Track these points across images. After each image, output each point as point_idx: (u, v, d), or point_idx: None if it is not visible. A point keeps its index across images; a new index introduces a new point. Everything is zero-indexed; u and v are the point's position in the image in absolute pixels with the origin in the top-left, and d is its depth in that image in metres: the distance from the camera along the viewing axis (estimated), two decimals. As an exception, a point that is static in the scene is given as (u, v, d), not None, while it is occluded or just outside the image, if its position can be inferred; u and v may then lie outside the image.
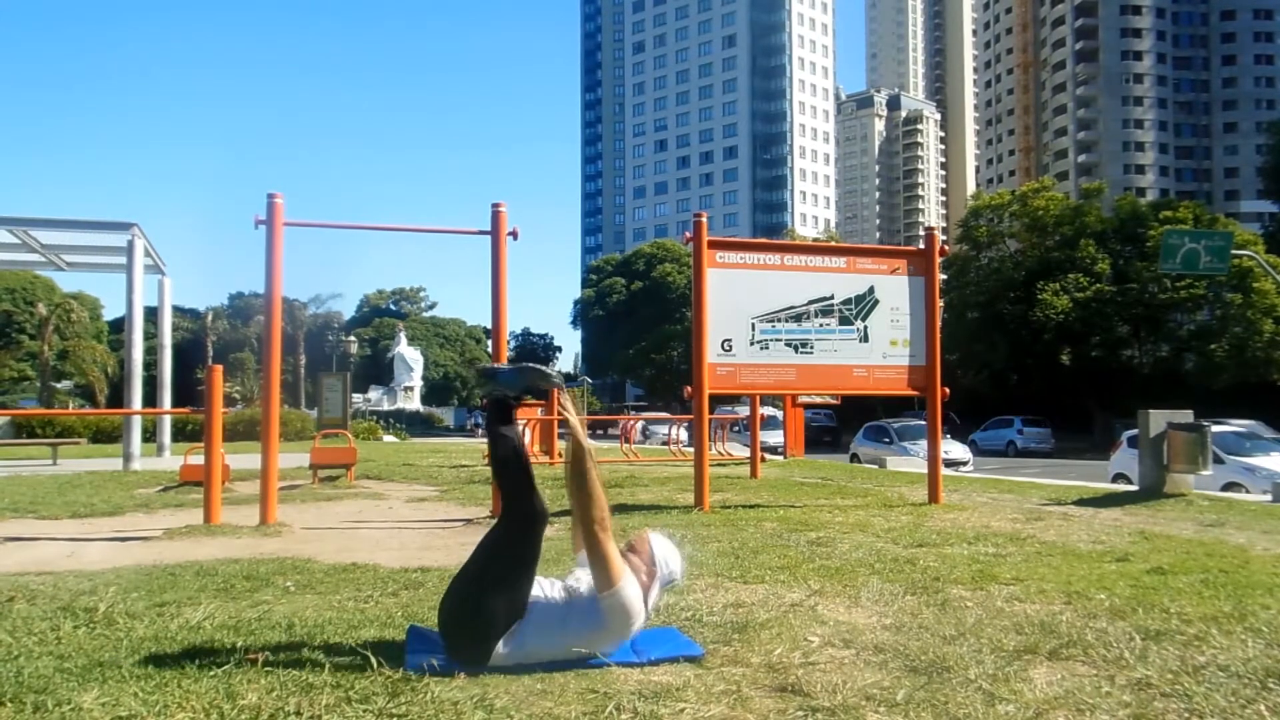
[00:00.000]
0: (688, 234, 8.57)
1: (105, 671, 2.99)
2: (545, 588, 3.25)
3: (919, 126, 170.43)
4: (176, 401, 21.57)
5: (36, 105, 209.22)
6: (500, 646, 3.05)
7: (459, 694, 2.77)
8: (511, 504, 3.28)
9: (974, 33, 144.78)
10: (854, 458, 23.35)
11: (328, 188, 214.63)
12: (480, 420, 58.42)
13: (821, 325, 8.62)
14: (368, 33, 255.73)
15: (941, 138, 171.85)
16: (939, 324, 9.17)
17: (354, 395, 46.79)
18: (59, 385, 57.95)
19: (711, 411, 13.98)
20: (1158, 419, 9.73)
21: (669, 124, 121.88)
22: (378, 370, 73.68)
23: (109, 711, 2.61)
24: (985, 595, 4.32)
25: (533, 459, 16.25)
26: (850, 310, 8.70)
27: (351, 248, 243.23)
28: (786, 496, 9.77)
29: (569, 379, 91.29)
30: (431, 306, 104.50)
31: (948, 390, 9.00)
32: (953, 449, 23.84)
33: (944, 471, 10.02)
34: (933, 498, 8.94)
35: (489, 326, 8.65)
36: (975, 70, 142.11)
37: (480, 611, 3.04)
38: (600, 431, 46.82)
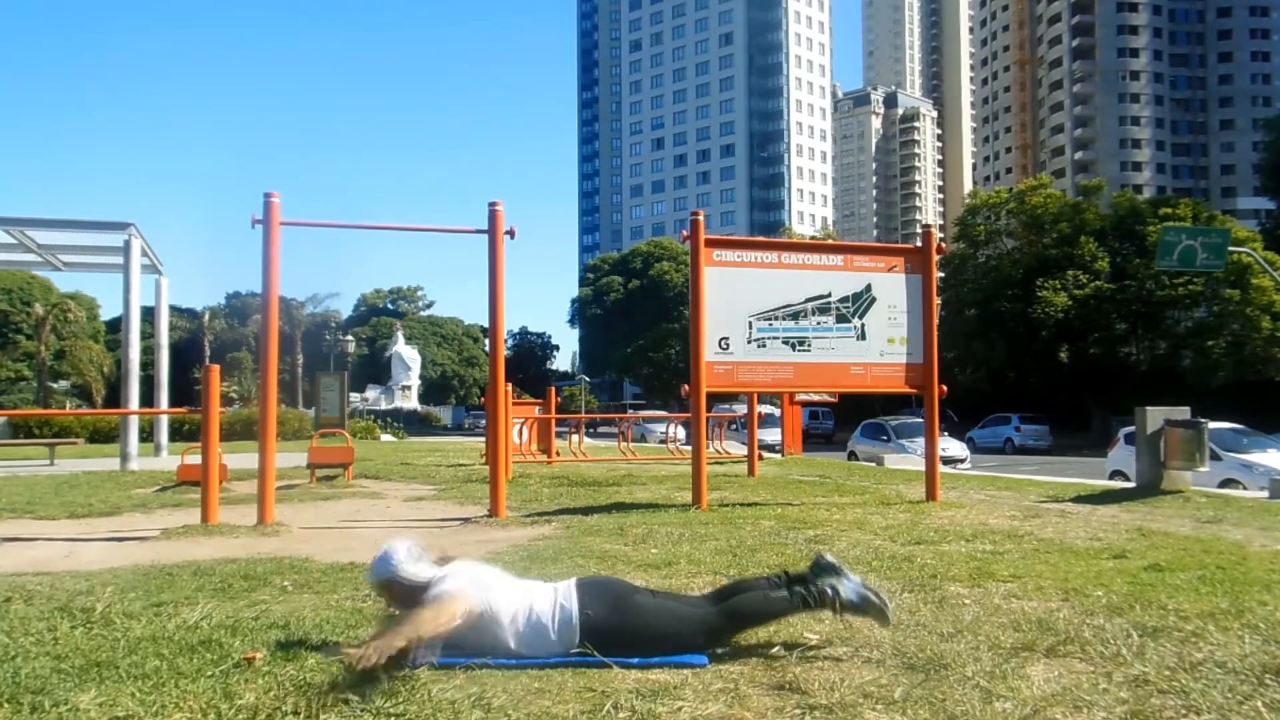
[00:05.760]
0: (685, 232, 8.56)
1: (102, 672, 2.98)
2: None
3: (916, 124, 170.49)
4: (174, 401, 21.55)
5: (33, 104, 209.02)
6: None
7: (456, 693, 2.77)
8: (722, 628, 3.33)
9: (970, 30, 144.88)
10: (852, 455, 23.36)
11: (325, 187, 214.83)
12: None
13: (819, 323, 8.62)
14: (364, 32, 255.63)
15: (938, 135, 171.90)
16: (936, 322, 9.17)
17: (351, 394, 46.79)
18: (56, 385, 57.92)
19: (709, 410, 13.98)
20: (1155, 416, 9.73)
21: (666, 122, 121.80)
22: (375, 369, 73.65)
23: (106, 712, 2.61)
24: (983, 593, 4.32)
25: (531, 458, 16.16)
26: (848, 308, 8.70)
27: (349, 247, 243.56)
28: (784, 494, 9.78)
29: (567, 378, 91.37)
30: (429, 305, 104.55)
31: (945, 388, 9.00)
32: (950, 446, 23.84)
33: (941, 469, 10.03)
34: (930, 495, 8.94)
35: (486, 325, 8.64)
36: (972, 68, 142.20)
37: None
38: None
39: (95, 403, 49.72)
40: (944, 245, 12.89)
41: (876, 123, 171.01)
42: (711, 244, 8.57)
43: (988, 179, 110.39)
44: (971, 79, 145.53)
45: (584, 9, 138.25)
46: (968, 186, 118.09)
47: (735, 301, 8.47)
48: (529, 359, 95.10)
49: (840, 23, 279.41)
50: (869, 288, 8.78)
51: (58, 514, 8.37)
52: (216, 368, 8.02)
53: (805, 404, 28.24)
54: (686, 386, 8.56)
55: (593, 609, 3.20)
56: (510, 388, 12.76)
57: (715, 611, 3.31)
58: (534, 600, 3.24)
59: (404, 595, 3.23)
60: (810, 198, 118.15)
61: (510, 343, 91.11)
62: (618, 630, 3.16)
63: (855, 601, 3.31)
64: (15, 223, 15.33)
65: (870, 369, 8.76)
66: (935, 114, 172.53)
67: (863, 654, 3.26)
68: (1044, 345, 42.40)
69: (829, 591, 3.31)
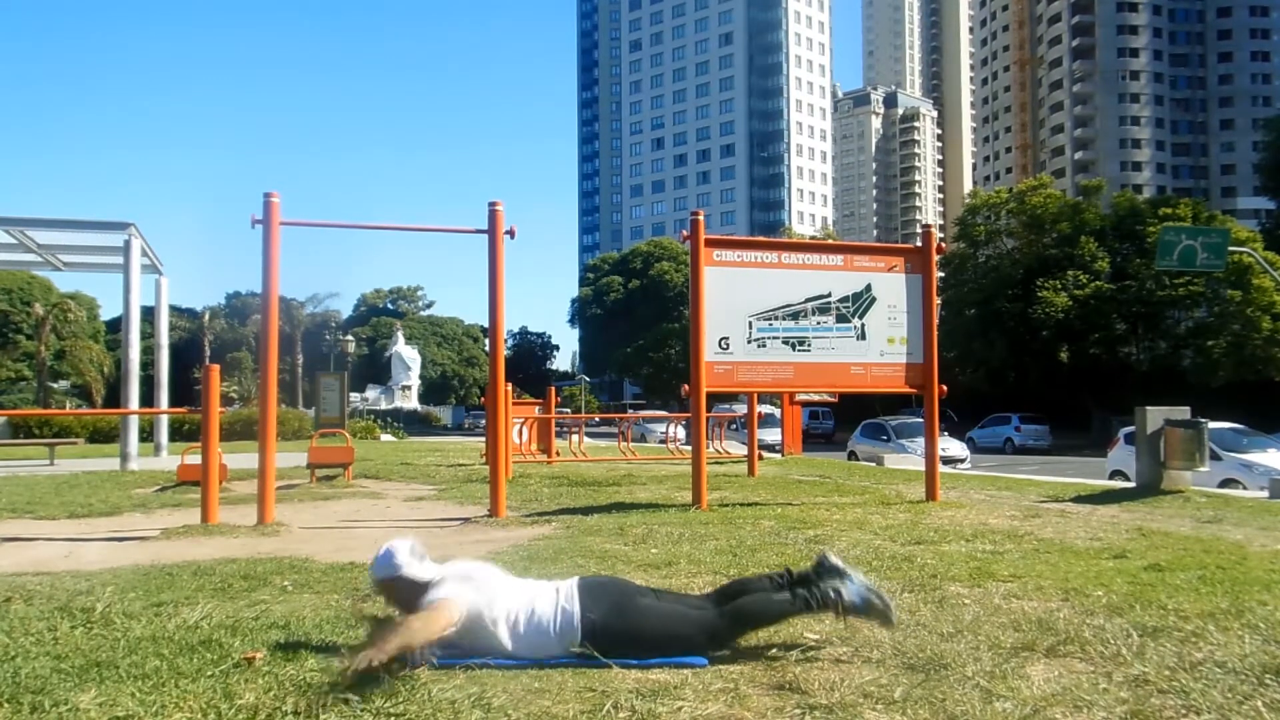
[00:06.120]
0: (685, 232, 8.56)
1: (102, 671, 2.98)
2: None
3: (916, 124, 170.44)
4: (174, 401, 21.53)
5: (33, 104, 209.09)
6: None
7: (456, 693, 2.77)
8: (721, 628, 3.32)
9: (970, 30, 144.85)
10: (852, 455, 23.36)
11: (325, 187, 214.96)
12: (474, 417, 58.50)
13: (819, 323, 8.62)
14: (364, 32, 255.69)
15: (938, 135, 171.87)
16: (936, 322, 9.17)
17: (351, 394, 46.79)
18: (56, 385, 57.91)
19: (709, 410, 13.98)
20: (1155, 416, 9.73)
21: (666, 122, 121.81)
22: (375, 369, 73.67)
23: (106, 711, 2.61)
24: (983, 593, 4.32)
25: (531, 458, 16.13)
26: (848, 308, 8.70)
27: (349, 247, 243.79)
28: (784, 494, 9.77)
29: (567, 378, 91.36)
30: (429, 305, 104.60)
31: (945, 388, 9.00)
32: (950, 446, 23.83)
33: (941, 469, 10.02)
34: (930, 495, 8.94)
35: (486, 325, 8.64)
36: (972, 68, 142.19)
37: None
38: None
39: (95, 403, 49.71)
40: (944, 245, 12.89)
41: (876, 123, 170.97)
42: (711, 244, 8.57)
43: (988, 179, 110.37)
44: (971, 79, 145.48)
45: (584, 9, 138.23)
46: (968, 186, 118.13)
47: (735, 301, 8.46)
48: (529, 359, 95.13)
49: (840, 23, 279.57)
50: (869, 288, 8.78)
51: (58, 514, 8.37)
52: (216, 368, 8.02)
53: (805, 404, 28.24)
54: (686, 386, 8.55)
55: (595, 611, 3.19)
56: (510, 388, 12.76)
57: (718, 613, 3.31)
58: (535, 601, 3.23)
59: (405, 595, 3.23)
60: (810, 198, 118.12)
61: (510, 343, 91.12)
62: (620, 632, 3.16)
63: (858, 604, 3.31)
64: (15, 223, 15.33)
65: (870, 369, 8.76)
66: (935, 114, 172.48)
67: (863, 654, 3.26)
68: (1044, 345, 42.40)
69: (832, 594, 3.30)
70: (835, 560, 3.43)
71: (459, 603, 3.07)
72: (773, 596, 3.35)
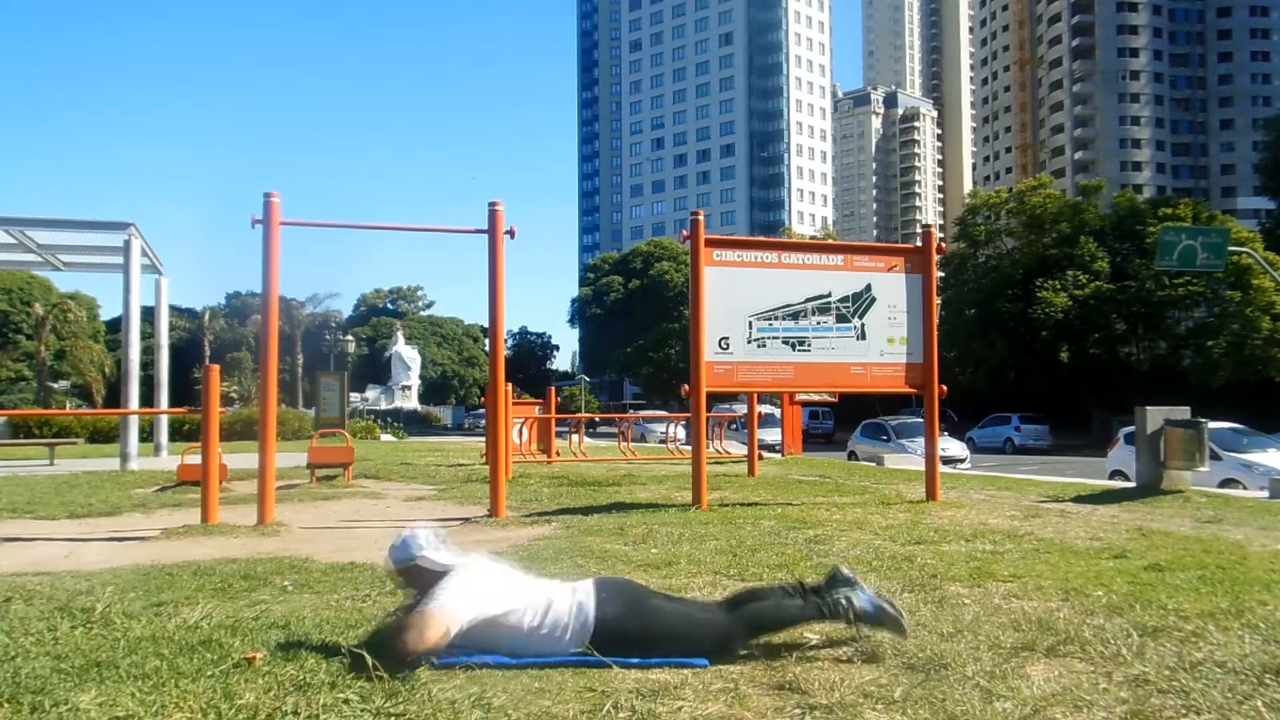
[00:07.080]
0: (685, 232, 8.56)
1: (102, 671, 2.98)
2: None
3: (916, 124, 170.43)
4: (174, 401, 21.53)
5: (34, 104, 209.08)
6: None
7: (456, 693, 2.77)
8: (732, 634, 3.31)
9: (970, 30, 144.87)
10: (852, 455, 23.36)
11: (325, 187, 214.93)
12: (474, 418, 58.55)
13: (819, 323, 8.62)
14: (365, 32, 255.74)
15: (938, 135, 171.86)
16: (936, 322, 9.17)
17: (351, 394, 46.81)
18: (56, 385, 57.90)
19: (709, 410, 13.98)
20: (1155, 416, 9.73)
21: (666, 122, 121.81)
22: (375, 369, 73.70)
23: (106, 711, 2.60)
24: (983, 592, 4.32)
25: (531, 458, 16.11)
26: (848, 308, 8.69)
27: (349, 247, 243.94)
28: (784, 494, 9.77)
29: (567, 378, 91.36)
30: (429, 305, 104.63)
31: (945, 388, 8.99)
32: (950, 446, 23.84)
33: (941, 469, 10.01)
34: (930, 495, 8.94)
35: (486, 325, 8.64)
36: (972, 68, 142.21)
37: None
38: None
39: (95, 403, 49.67)
40: (944, 245, 12.89)
41: (876, 123, 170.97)
42: (711, 244, 8.56)
43: (988, 179, 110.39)
44: (971, 79, 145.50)
45: (584, 9, 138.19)
46: (968, 186, 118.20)
47: (735, 301, 8.46)
48: (529, 359, 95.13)
49: (840, 23, 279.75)
50: (869, 287, 8.78)
51: (58, 514, 8.36)
52: (216, 368, 8.02)
53: (805, 404, 28.26)
54: (686, 386, 8.55)
55: (611, 611, 3.20)
56: (510, 388, 12.75)
57: (730, 618, 3.31)
58: (552, 600, 3.24)
59: (422, 580, 3.25)
60: (810, 198, 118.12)
61: (510, 343, 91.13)
62: (633, 633, 3.16)
63: (870, 612, 3.31)
64: (15, 222, 15.32)
65: (870, 369, 8.76)
66: (935, 114, 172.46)
67: (863, 654, 3.26)
68: (1044, 345, 42.43)
69: (843, 602, 3.31)
70: (847, 572, 3.46)
71: (453, 615, 3.06)
72: (784, 602, 3.36)
